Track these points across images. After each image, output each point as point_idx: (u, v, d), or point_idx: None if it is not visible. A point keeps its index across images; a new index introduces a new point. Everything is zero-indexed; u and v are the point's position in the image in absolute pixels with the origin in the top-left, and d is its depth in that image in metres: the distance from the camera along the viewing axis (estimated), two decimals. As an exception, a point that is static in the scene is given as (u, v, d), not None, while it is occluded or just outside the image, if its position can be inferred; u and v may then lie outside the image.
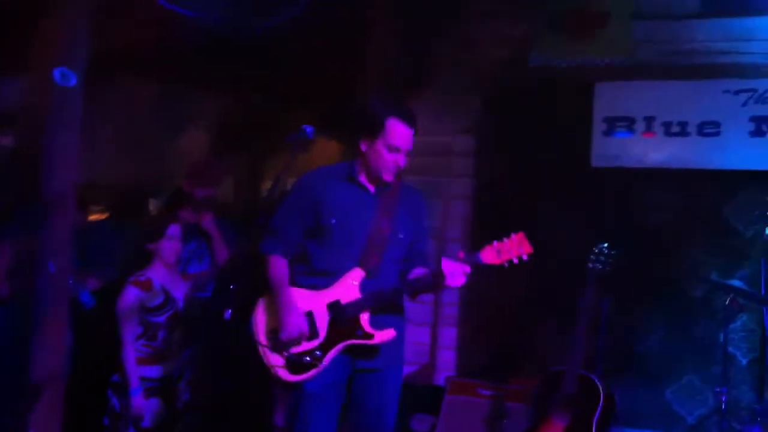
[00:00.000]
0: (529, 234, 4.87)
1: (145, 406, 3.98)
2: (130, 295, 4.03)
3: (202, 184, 4.82)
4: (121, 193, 6.34)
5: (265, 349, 3.29)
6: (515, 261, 3.19)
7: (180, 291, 4.20)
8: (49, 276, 2.86)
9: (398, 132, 3.26)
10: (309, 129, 3.20)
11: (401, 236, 3.36)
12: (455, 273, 3.14)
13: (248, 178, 8.18)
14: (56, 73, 2.86)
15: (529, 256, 3.20)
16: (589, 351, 4.09)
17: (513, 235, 3.20)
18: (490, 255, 3.20)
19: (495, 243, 3.20)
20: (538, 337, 5.12)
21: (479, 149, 5.42)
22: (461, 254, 3.21)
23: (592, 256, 4.09)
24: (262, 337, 3.31)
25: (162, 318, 4.07)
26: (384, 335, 3.25)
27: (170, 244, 4.15)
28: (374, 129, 3.29)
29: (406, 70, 5.41)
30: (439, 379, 5.25)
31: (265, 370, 3.33)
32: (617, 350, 4.76)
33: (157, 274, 4.14)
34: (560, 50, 5.01)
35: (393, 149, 3.27)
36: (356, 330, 3.25)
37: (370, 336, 3.24)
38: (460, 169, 5.45)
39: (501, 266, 3.20)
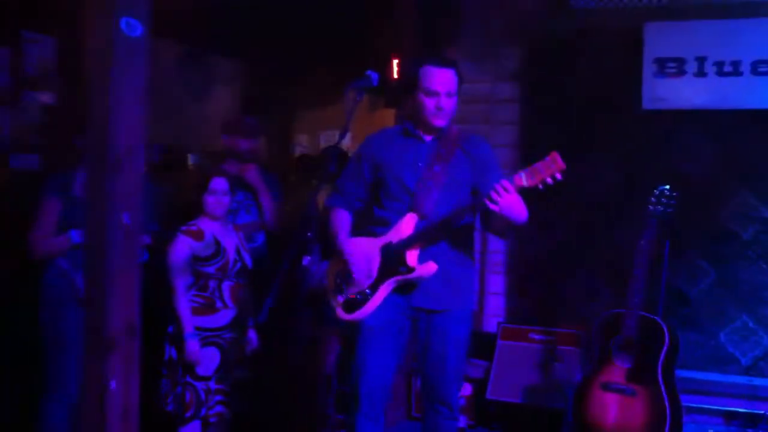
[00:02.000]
0: (577, 180, 4.91)
1: (200, 353, 4.02)
2: (183, 245, 4.05)
3: (243, 136, 4.80)
4: (158, 148, 6.33)
5: (330, 290, 3.47)
6: (549, 181, 3.05)
7: (231, 241, 4.21)
8: (123, 228, 2.84)
9: (432, 75, 3.32)
10: (374, 75, 3.16)
11: (459, 179, 3.40)
12: (498, 194, 3.10)
13: (279, 136, 8.18)
14: (122, 22, 2.81)
15: (563, 173, 3.04)
16: (648, 293, 4.06)
17: (547, 156, 3.07)
18: (523, 177, 3.09)
19: (530, 166, 3.11)
20: (586, 283, 5.11)
21: (523, 96, 5.36)
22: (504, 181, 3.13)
23: (652, 198, 4.05)
24: (329, 280, 3.49)
25: (212, 268, 4.09)
26: (425, 268, 3.31)
27: (214, 198, 4.15)
28: (411, 82, 3.38)
29: (440, 19, 5.34)
30: (489, 325, 5.28)
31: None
32: (671, 293, 4.76)
33: (208, 224, 4.15)
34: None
35: (431, 93, 3.33)
36: (401, 266, 3.32)
37: (411, 269, 3.31)
38: (502, 117, 5.40)
39: (536, 187, 3.08)
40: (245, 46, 6.90)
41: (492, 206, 3.12)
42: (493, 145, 5.24)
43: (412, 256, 3.32)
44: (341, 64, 5.52)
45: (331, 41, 6.35)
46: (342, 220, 3.53)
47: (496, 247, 5.32)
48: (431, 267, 3.31)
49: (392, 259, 3.35)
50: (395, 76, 5.18)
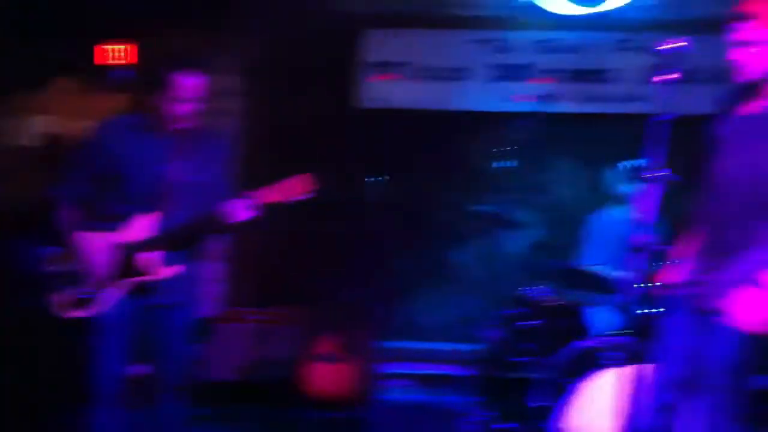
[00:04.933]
0: (298, 173, 5.24)
1: None
2: None
3: None
4: None
5: (56, 286, 3.39)
6: (296, 199, 3.24)
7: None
8: None
9: (182, 83, 3.31)
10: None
11: (198, 180, 3.43)
12: (237, 209, 3.23)
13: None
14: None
15: (309, 194, 3.24)
16: (363, 275, 4.51)
17: (299, 176, 3.24)
18: (271, 194, 3.25)
19: (280, 182, 3.26)
20: (302, 268, 5.41)
21: (251, 90, 5.58)
22: (246, 193, 3.27)
23: (366, 190, 4.48)
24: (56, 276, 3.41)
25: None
26: (163, 272, 3.37)
27: None
28: (159, 83, 3.33)
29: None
30: (208, 311, 5.45)
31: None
32: (379, 272, 5.27)
33: None
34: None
35: (178, 100, 3.33)
36: (137, 268, 3.36)
37: (149, 273, 3.36)
38: (236, 109, 5.54)
39: (281, 203, 3.24)
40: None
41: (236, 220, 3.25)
42: (229, 136, 5.54)
43: (150, 259, 3.36)
44: (48, 48, 5.39)
45: (36, 23, 6.09)
46: (70, 214, 3.42)
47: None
48: (169, 271, 3.38)
49: (129, 261, 3.37)
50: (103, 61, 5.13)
